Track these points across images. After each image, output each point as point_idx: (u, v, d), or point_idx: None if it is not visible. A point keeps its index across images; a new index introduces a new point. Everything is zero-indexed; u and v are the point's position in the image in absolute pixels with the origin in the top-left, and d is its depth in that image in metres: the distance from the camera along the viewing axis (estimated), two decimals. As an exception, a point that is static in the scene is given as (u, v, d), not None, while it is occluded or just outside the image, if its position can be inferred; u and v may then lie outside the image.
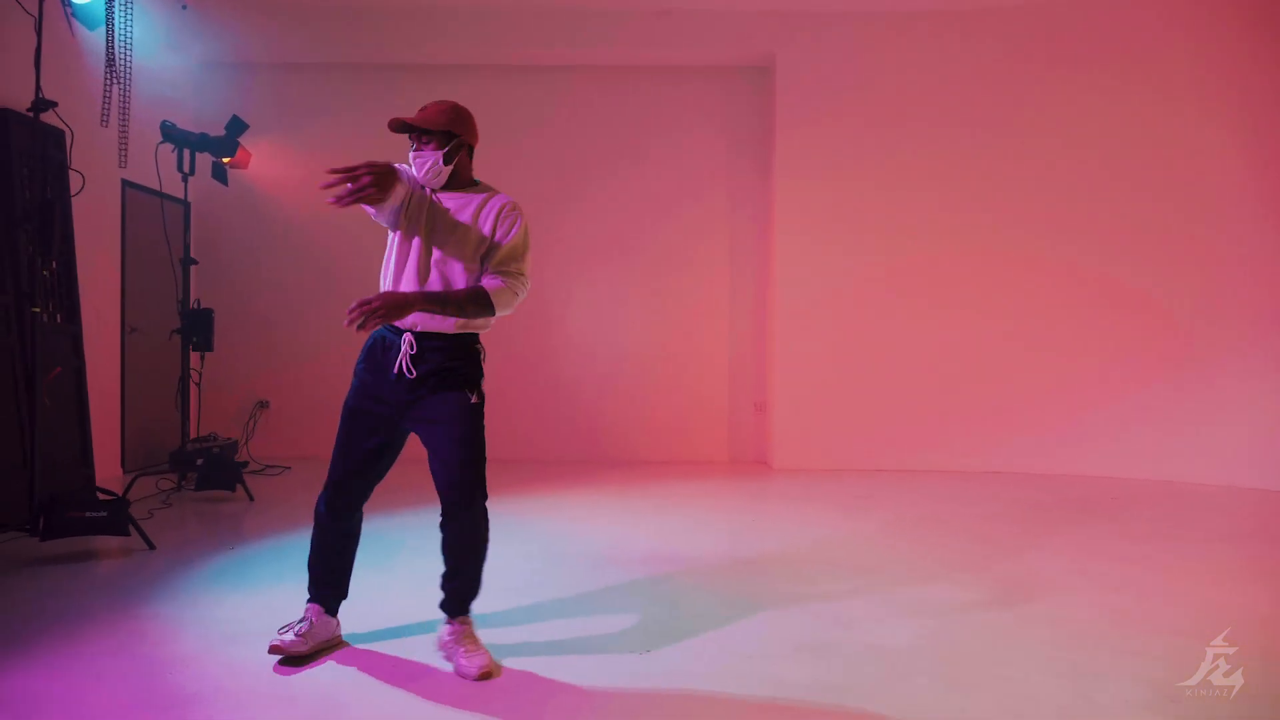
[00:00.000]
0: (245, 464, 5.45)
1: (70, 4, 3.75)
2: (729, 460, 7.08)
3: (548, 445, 7.02)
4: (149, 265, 6.15)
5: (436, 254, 2.63)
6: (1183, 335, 6.11)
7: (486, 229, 2.66)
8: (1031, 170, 6.41)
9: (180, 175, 5.19)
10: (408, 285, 2.60)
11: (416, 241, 2.63)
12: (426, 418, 2.61)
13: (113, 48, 3.94)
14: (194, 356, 5.69)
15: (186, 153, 5.16)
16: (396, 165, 2.61)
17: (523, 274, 2.69)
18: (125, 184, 5.94)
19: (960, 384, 6.47)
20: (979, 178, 6.48)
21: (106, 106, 4.01)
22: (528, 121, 7.01)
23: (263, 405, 7.03)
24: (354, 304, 2.40)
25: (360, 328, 2.41)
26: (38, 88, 3.71)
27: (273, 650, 2.61)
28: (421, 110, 2.73)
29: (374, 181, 2.38)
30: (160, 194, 5.42)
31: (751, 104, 7.00)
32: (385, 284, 2.66)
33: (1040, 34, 6.35)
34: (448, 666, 2.63)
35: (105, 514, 3.89)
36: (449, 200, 2.71)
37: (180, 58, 6.45)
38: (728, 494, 5.90)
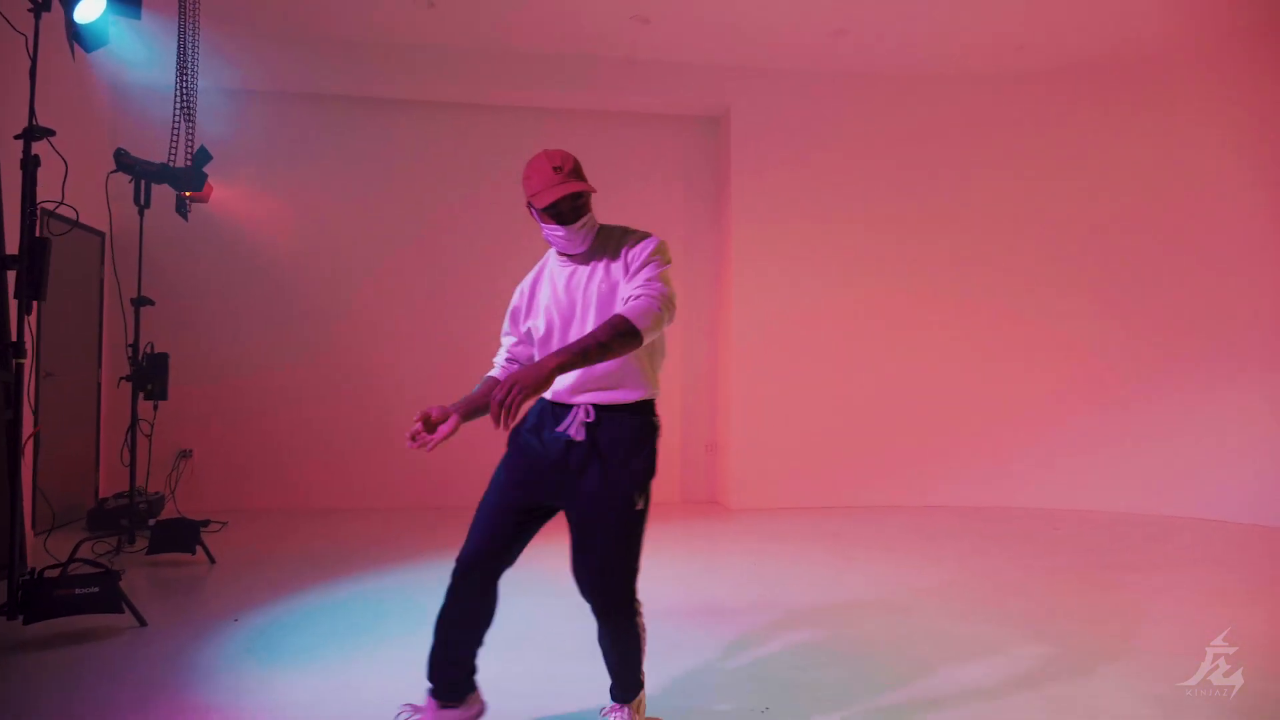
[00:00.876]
0: (206, 522, 4.97)
1: (73, 23, 3.38)
2: (681, 501, 7.14)
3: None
4: (65, 304, 5.55)
5: (592, 327, 2.30)
6: (1118, 373, 6.73)
7: (621, 267, 2.33)
8: (973, 215, 6.92)
9: (136, 208, 4.73)
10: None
11: (559, 326, 2.36)
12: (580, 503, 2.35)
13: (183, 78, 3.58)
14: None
15: (143, 184, 4.71)
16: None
17: (657, 279, 2.27)
18: (44, 213, 5.35)
19: (914, 421, 6.83)
20: (925, 222, 6.92)
21: (175, 144, 3.61)
22: (490, 161, 6.91)
23: (185, 455, 6.45)
24: (493, 406, 2.02)
25: (509, 426, 2.08)
26: (31, 113, 3.33)
27: None
28: (558, 168, 2.31)
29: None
30: (77, 224, 4.91)
31: (707, 152, 7.20)
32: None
33: (973, 97, 6.91)
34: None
35: (97, 589, 3.47)
36: (566, 266, 2.40)
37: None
38: (721, 536, 5.95)
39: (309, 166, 6.72)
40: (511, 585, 2.48)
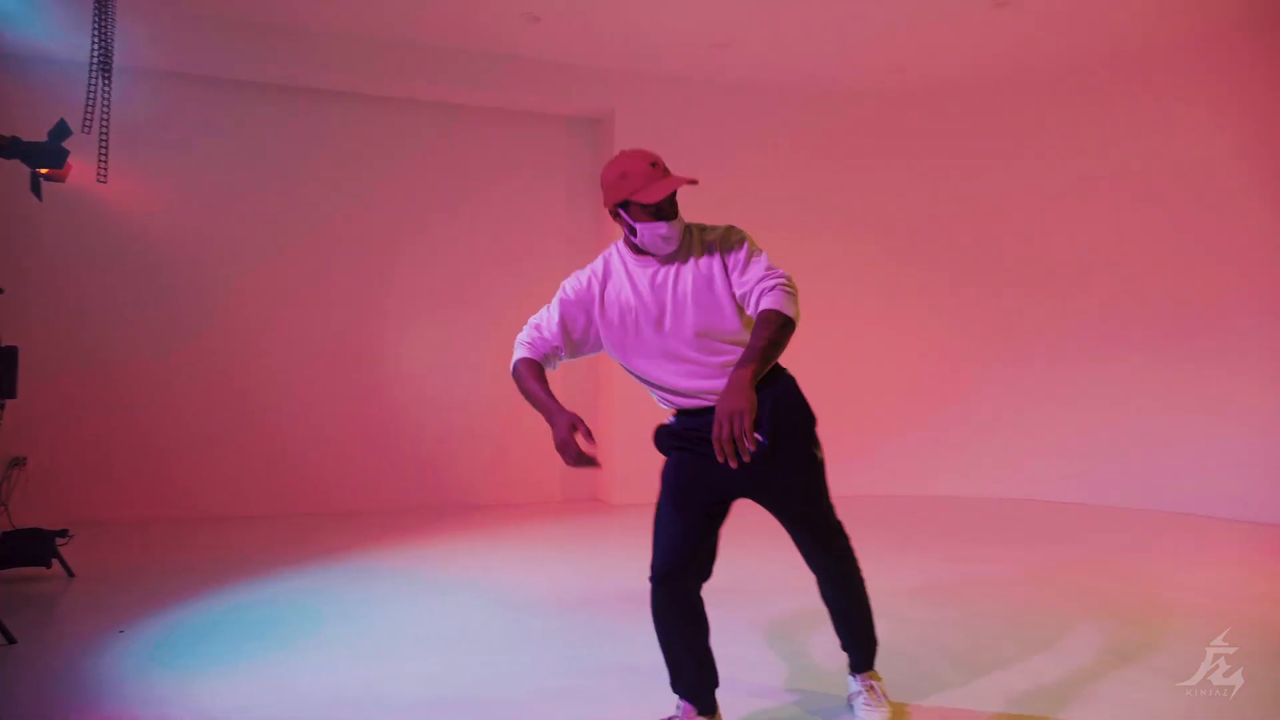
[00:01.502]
0: (64, 532, 4.49)
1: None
2: (563, 499, 7.16)
3: (387, 494, 6.62)
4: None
5: (692, 325, 2.30)
6: (963, 365, 7.38)
7: (717, 261, 2.35)
8: (846, 222, 7.36)
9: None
10: (684, 375, 2.33)
11: (660, 327, 2.33)
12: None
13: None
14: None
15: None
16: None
17: (772, 266, 2.31)
18: None
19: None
20: (803, 228, 7.28)
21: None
22: (380, 154, 6.73)
23: (18, 462, 5.80)
24: (720, 445, 2.00)
25: (745, 458, 2.01)
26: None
27: None
28: (655, 164, 2.30)
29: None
30: None
31: (592, 153, 7.28)
32: (644, 366, 2.41)
33: (849, 113, 7.39)
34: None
35: (-39, 605, 3.11)
36: (647, 267, 2.37)
37: None
38: (610, 530, 6.01)
39: (190, 150, 6.25)
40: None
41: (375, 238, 6.71)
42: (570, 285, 2.45)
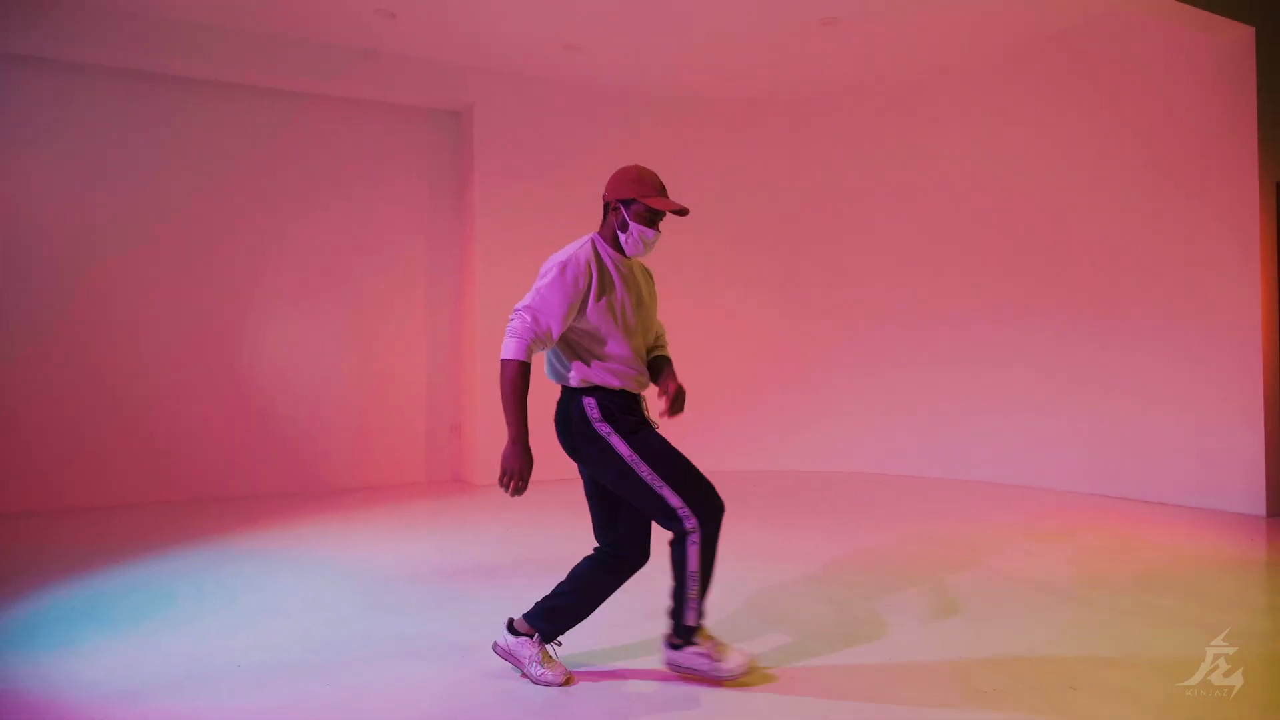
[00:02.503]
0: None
1: None
2: (426, 480, 7.43)
3: (252, 480, 6.72)
4: None
5: (639, 329, 2.87)
6: (796, 354, 8.03)
7: (654, 290, 3.01)
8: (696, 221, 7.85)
9: None
10: (638, 357, 2.84)
11: (632, 318, 2.82)
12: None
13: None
14: None
15: None
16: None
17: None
18: None
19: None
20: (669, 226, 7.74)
21: None
22: (239, 144, 6.75)
23: None
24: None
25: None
26: None
27: (736, 679, 2.78)
28: (663, 187, 2.83)
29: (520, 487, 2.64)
30: None
31: (449, 147, 7.48)
32: (621, 350, 2.78)
33: (697, 116, 7.86)
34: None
35: None
36: (631, 266, 2.89)
37: None
38: (470, 509, 6.33)
39: (39, 140, 6.12)
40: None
41: (238, 227, 6.75)
42: (572, 273, 2.68)
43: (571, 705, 2.69)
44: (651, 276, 3.02)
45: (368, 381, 7.21)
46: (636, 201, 2.76)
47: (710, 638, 2.88)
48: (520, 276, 7.54)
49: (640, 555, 2.91)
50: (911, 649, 3.18)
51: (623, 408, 2.80)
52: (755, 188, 8.05)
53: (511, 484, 2.62)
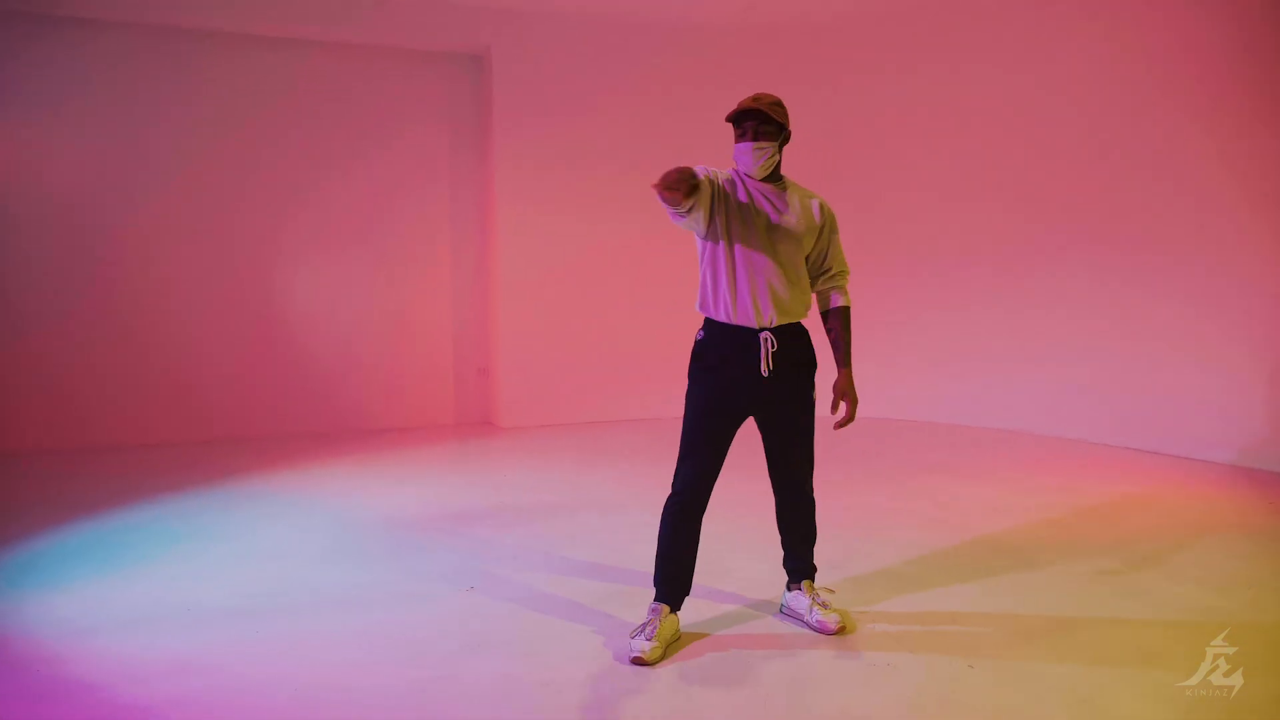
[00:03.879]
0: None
1: None
2: (456, 423, 7.63)
3: (284, 420, 7.04)
4: None
5: (768, 260, 2.81)
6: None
7: (814, 228, 2.89)
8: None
9: None
10: (752, 293, 2.79)
11: (747, 247, 2.80)
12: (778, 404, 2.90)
13: None
14: None
15: None
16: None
17: (848, 272, 3.00)
18: None
19: (666, 341, 7.55)
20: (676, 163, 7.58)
21: None
22: (259, 97, 6.90)
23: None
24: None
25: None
26: None
27: (635, 662, 2.68)
28: (756, 100, 2.79)
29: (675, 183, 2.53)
30: None
31: (470, 91, 7.46)
32: (721, 295, 2.82)
33: (719, 47, 7.59)
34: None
35: None
36: (771, 196, 2.85)
37: None
38: (494, 451, 6.50)
39: (66, 98, 6.39)
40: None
41: (263, 177, 6.94)
42: (700, 166, 2.78)
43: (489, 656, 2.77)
44: (816, 208, 2.92)
45: (395, 325, 7.40)
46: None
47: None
48: (541, 220, 7.57)
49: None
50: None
51: (726, 342, 2.85)
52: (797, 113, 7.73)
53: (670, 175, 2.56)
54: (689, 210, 2.71)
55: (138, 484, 5.28)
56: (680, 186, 2.55)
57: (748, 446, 3.30)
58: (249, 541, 4.11)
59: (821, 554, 3.73)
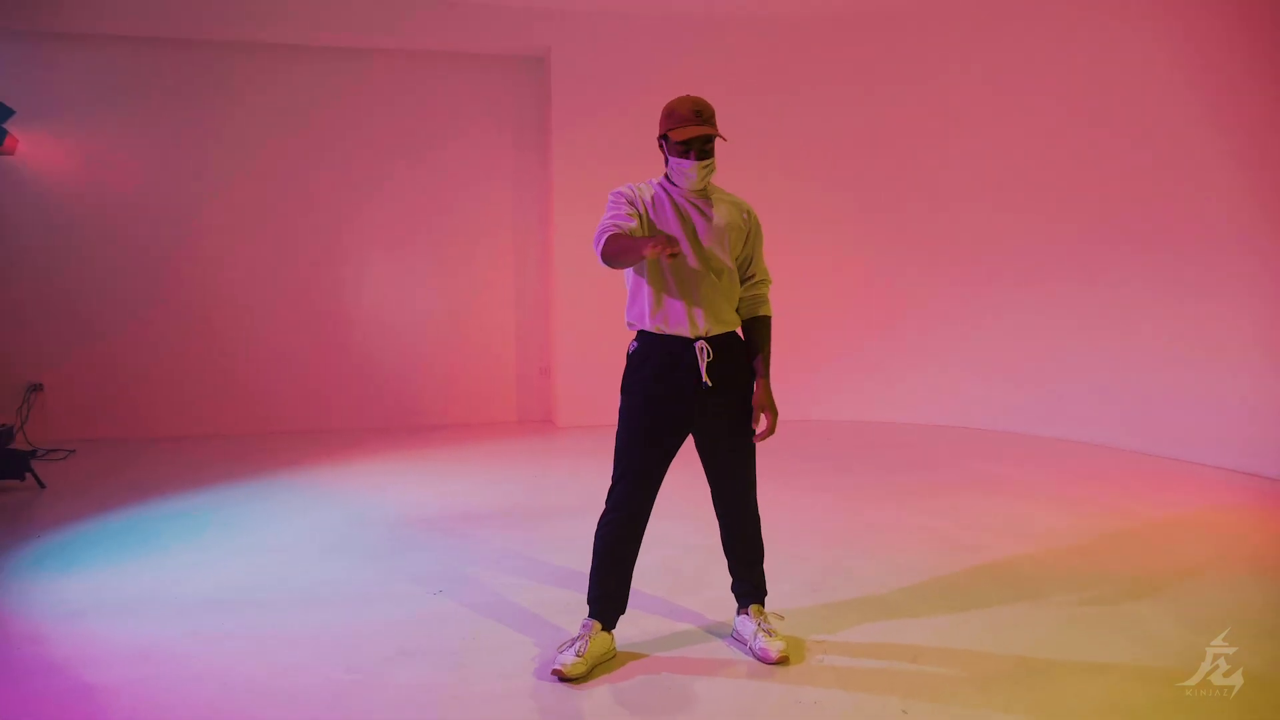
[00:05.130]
0: (34, 451, 5.43)
1: None
2: (518, 421, 7.77)
3: (349, 415, 7.38)
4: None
5: (699, 269, 2.72)
6: (898, 298, 7.48)
7: (742, 233, 2.83)
8: (789, 152, 7.46)
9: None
10: (685, 304, 2.70)
11: (677, 259, 2.69)
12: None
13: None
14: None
15: (-56, 138, 4.99)
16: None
17: (770, 281, 2.94)
18: None
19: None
20: (737, 160, 7.40)
21: None
22: (321, 105, 7.22)
23: (36, 388, 6.83)
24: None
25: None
26: None
27: (556, 675, 2.63)
28: (699, 113, 2.71)
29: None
30: None
31: (532, 93, 7.56)
32: (654, 307, 2.72)
33: (784, 40, 7.37)
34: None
35: (-100, 513, 3.95)
36: (700, 204, 2.78)
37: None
38: (528, 448, 6.60)
39: (127, 112, 6.88)
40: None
41: (330, 181, 7.26)
42: (623, 189, 2.78)
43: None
44: (743, 213, 2.87)
45: (458, 323, 7.59)
46: (667, 136, 2.75)
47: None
48: (599, 219, 7.53)
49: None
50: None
51: (660, 354, 2.75)
52: (847, 114, 7.42)
53: (655, 247, 2.44)
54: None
55: (191, 474, 5.64)
56: (633, 258, 2.56)
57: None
58: (263, 534, 4.33)
59: (801, 574, 3.61)
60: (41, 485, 5.30)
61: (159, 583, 3.62)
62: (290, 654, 2.90)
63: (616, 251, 2.58)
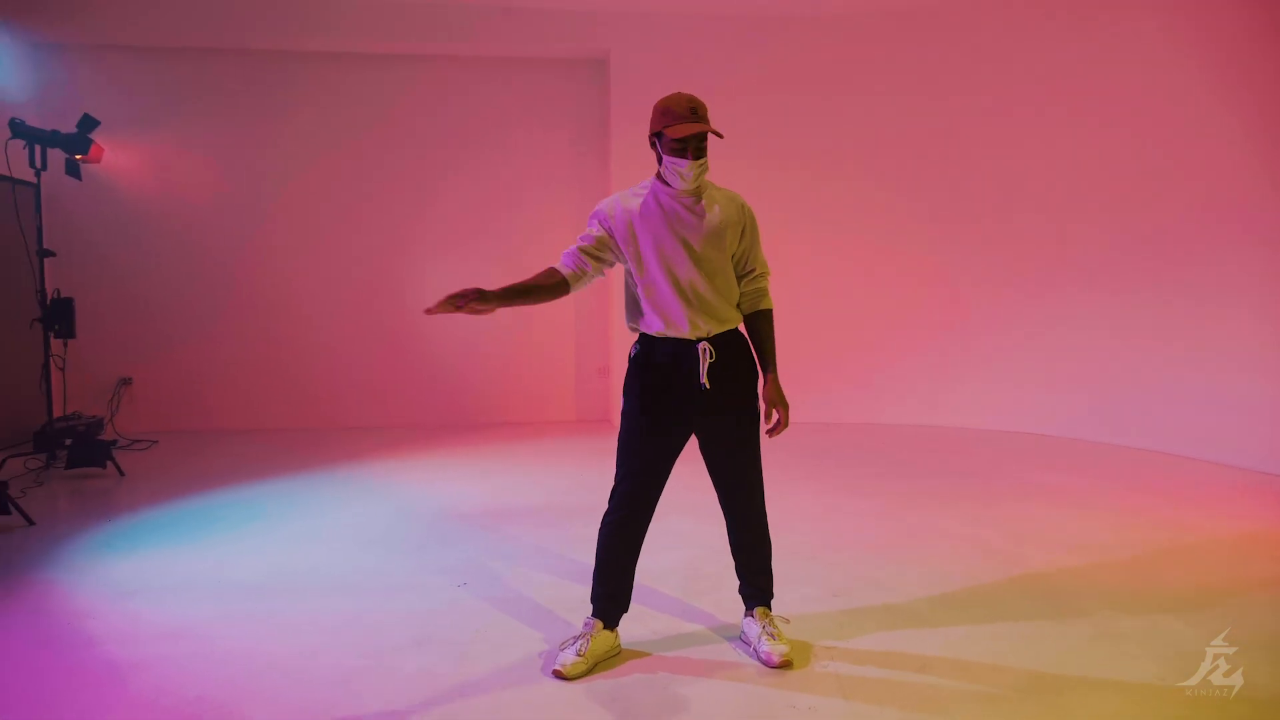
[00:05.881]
0: (115, 442, 5.80)
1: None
2: (577, 420, 7.86)
3: (410, 412, 7.61)
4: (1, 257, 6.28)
5: (693, 271, 2.70)
6: (962, 302, 7.25)
7: (736, 229, 2.78)
8: (850, 151, 7.33)
9: (33, 170, 5.41)
10: (683, 305, 2.69)
11: (671, 262, 2.70)
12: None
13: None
14: (55, 342, 5.94)
15: (38, 148, 5.38)
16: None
17: (769, 273, 2.90)
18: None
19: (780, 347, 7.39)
20: (803, 160, 7.33)
21: None
22: (386, 110, 7.46)
23: (125, 382, 7.28)
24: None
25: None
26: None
27: (555, 674, 2.65)
28: (695, 110, 2.69)
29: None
30: (12, 180, 5.60)
31: (592, 95, 7.64)
32: (652, 311, 2.73)
33: (843, 37, 7.25)
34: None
35: (-15, 495, 4.29)
36: (689, 205, 2.74)
37: (23, 44, 6.52)
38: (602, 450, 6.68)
39: (193, 121, 7.24)
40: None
41: (394, 183, 7.50)
42: (603, 205, 2.83)
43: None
44: (738, 207, 2.81)
45: (519, 322, 7.70)
46: (664, 134, 2.68)
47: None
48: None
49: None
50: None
51: (661, 355, 2.75)
52: (912, 114, 7.22)
53: (458, 300, 2.44)
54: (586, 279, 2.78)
55: (255, 466, 5.90)
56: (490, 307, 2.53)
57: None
58: (309, 524, 4.51)
59: (826, 579, 3.55)
60: (121, 473, 5.65)
61: (204, 567, 3.82)
62: (311, 638, 3.02)
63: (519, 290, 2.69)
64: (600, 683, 2.68)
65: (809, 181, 7.39)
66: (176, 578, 3.67)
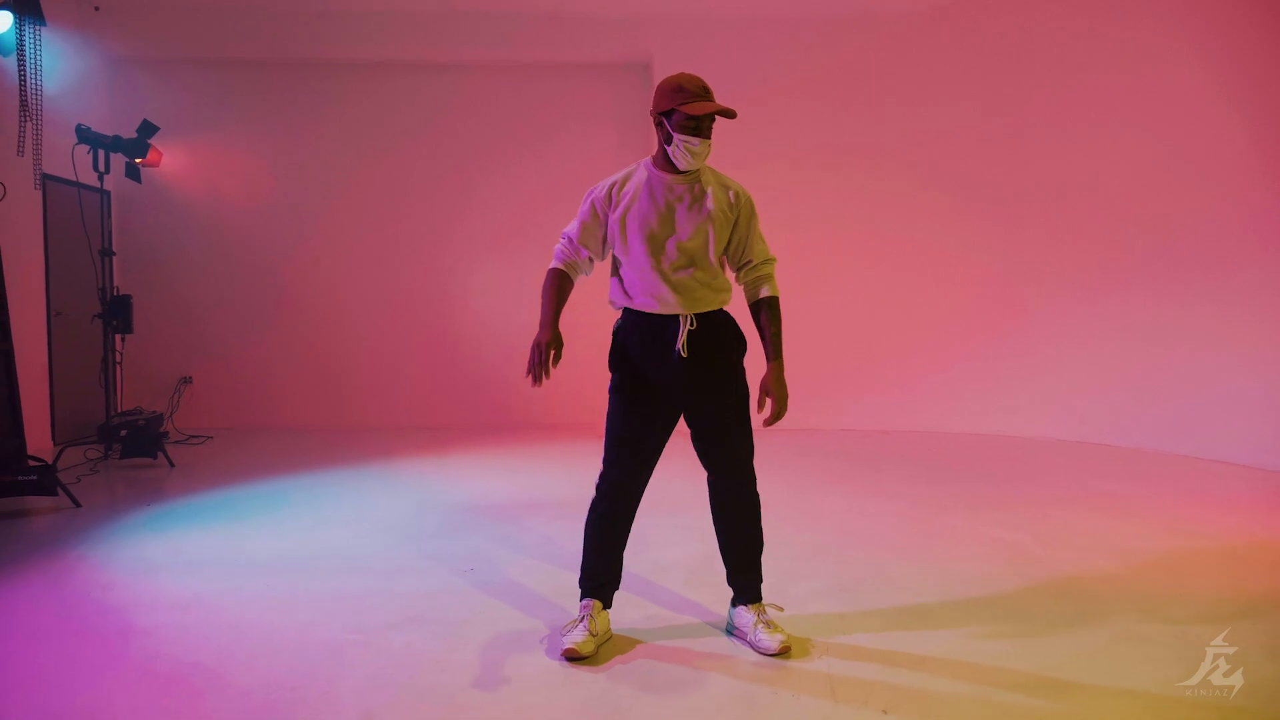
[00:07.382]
0: (166, 434, 6.04)
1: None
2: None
3: (450, 412, 7.72)
4: (71, 254, 6.62)
5: (677, 254, 2.69)
6: (1016, 307, 7.00)
7: (729, 216, 2.73)
8: (894, 152, 7.18)
9: (96, 174, 5.70)
10: (667, 285, 2.68)
11: (657, 244, 2.69)
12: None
13: (25, 81, 4.42)
14: (116, 338, 6.22)
15: (101, 152, 5.67)
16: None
17: (773, 261, 2.85)
18: (46, 178, 6.40)
19: (826, 348, 7.19)
20: (847, 161, 7.22)
21: (22, 139, 4.50)
22: (430, 116, 7.64)
23: (186, 381, 7.58)
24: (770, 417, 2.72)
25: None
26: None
27: (567, 655, 2.63)
28: (708, 89, 2.64)
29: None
30: (79, 184, 5.91)
31: (635, 99, 7.68)
32: (634, 287, 2.73)
33: (887, 37, 7.13)
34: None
35: (35, 477, 4.49)
36: (681, 189, 2.71)
37: (91, 57, 6.89)
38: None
39: (246, 128, 7.52)
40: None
41: (439, 187, 7.64)
42: (597, 189, 2.82)
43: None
44: (731, 196, 2.75)
45: (562, 327, 7.76)
46: (676, 111, 2.62)
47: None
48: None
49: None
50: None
51: (643, 328, 2.75)
52: (965, 114, 7.03)
53: (529, 369, 2.62)
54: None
55: (296, 460, 6.03)
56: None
57: (761, 441, 3.05)
58: (332, 512, 4.60)
59: (835, 576, 3.45)
60: (171, 464, 5.87)
61: (227, 547, 3.93)
62: (309, 613, 3.08)
63: (544, 291, 2.81)
64: (577, 669, 2.64)
65: (861, 186, 7.24)
66: (197, 556, 3.79)
